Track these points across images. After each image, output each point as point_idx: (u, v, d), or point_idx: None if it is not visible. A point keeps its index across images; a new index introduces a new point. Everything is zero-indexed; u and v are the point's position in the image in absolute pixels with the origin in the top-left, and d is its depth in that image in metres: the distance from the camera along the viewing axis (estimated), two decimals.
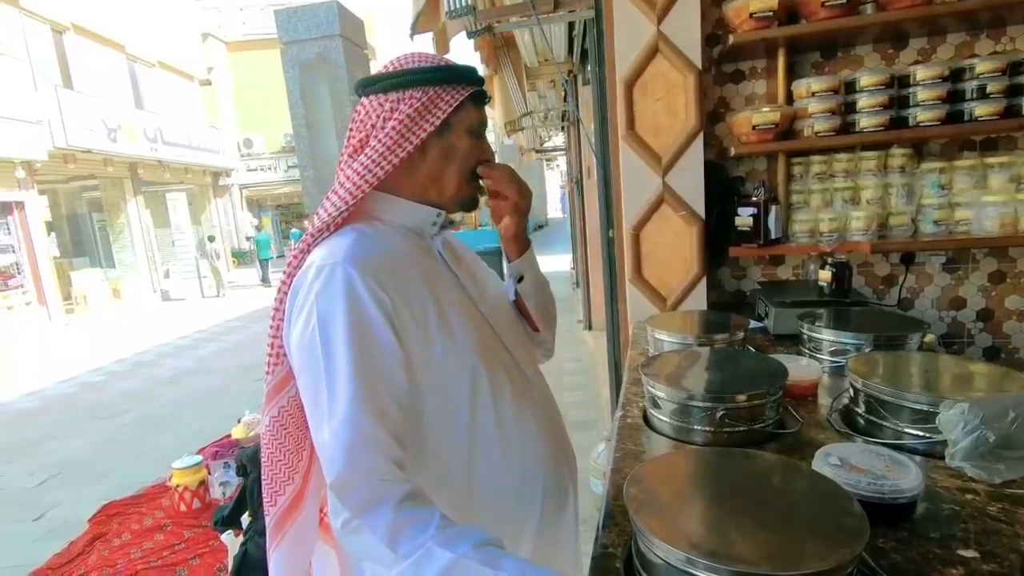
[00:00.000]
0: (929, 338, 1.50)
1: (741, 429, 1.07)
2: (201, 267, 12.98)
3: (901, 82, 1.94)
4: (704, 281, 2.05)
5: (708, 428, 1.08)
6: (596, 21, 2.27)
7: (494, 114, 5.51)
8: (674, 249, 2.04)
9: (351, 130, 0.93)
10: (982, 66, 1.85)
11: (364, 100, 0.91)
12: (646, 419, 1.23)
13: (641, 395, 1.27)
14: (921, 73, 1.89)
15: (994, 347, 2.15)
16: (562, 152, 12.08)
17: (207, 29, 17.58)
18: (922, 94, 1.90)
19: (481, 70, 4.74)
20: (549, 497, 0.97)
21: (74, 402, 6.08)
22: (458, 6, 2.33)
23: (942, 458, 0.95)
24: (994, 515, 0.83)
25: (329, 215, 0.87)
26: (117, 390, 6.37)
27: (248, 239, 16.89)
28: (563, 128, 8.55)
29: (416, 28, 2.39)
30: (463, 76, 0.90)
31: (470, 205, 0.96)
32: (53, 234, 12.98)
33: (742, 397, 1.07)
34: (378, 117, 0.89)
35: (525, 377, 0.99)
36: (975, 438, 0.91)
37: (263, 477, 0.93)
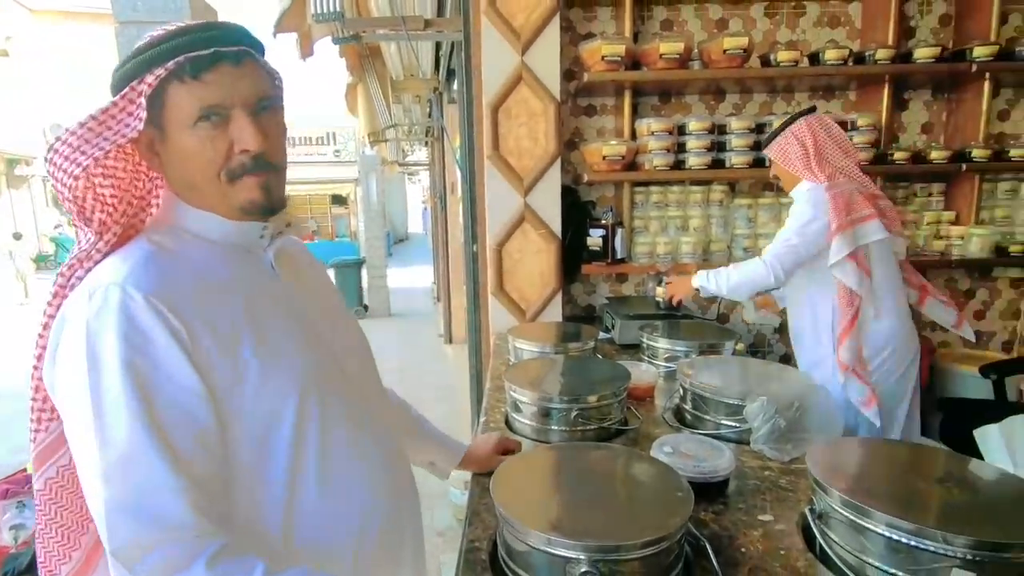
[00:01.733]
0: (740, 346, 1.79)
1: (592, 427, 1.19)
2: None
3: (720, 129, 2.29)
4: (560, 295, 2.22)
5: (564, 427, 1.19)
6: (464, 44, 2.36)
7: (357, 124, 5.39)
8: (534, 265, 2.18)
9: None
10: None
11: None
12: (508, 423, 1.31)
13: (503, 401, 1.34)
14: (735, 123, 2.26)
15: (787, 355, 2.59)
16: (424, 167, 12.08)
17: None
18: (735, 141, 2.26)
19: (345, 78, 4.62)
20: (383, 544, 0.82)
21: None
22: (325, 11, 2.28)
23: (748, 443, 1.14)
24: (784, 486, 1.02)
25: (84, 252, 0.71)
26: None
27: (52, 240, 14.45)
28: (427, 143, 8.59)
29: (280, 26, 2.29)
30: (156, 56, 0.66)
31: (259, 209, 0.74)
32: None
33: (593, 398, 1.19)
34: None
35: (365, 408, 0.84)
36: (771, 425, 1.12)
37: (36, 552, 0.76)
